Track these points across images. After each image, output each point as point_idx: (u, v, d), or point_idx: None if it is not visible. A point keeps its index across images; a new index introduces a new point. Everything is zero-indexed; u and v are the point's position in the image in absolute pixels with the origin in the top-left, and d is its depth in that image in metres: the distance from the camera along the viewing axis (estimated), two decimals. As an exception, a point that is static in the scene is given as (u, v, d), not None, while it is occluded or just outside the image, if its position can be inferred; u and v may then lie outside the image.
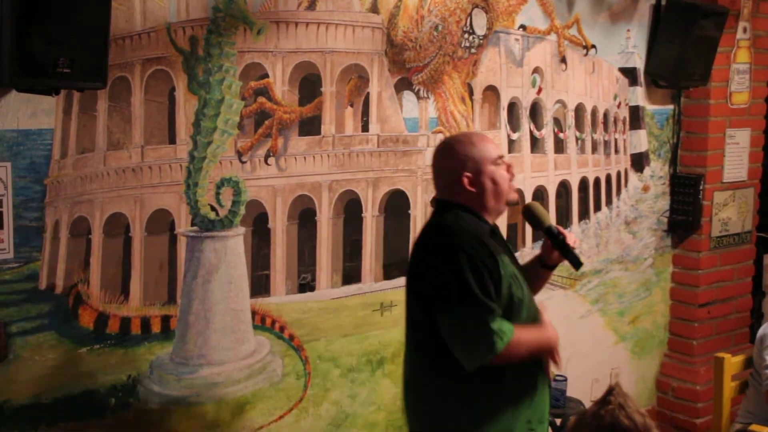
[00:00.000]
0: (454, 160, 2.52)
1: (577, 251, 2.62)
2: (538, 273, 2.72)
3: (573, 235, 2.66)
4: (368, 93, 3.45)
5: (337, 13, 3.32)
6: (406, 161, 3.58)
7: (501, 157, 2.54)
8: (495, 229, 2.56)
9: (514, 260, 2.60)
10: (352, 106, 3.42)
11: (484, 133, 3.79)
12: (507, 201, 2.56)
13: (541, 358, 2.55)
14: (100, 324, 2.89)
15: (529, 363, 2.52)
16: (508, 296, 2.43)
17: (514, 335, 2.39)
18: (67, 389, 2.82)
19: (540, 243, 3.93)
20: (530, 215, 2.69)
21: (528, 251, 4.01)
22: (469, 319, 2.37)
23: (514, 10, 3.85)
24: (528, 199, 4.00)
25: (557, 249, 2.63)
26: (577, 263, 2.60)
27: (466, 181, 2.48)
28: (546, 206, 4.09)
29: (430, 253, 2.49)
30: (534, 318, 2.55)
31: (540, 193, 4.06)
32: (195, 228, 3.08)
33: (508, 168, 2.55)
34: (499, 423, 2.49)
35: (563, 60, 4.07)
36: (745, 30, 4.53)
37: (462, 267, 2.36)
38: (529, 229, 4.01)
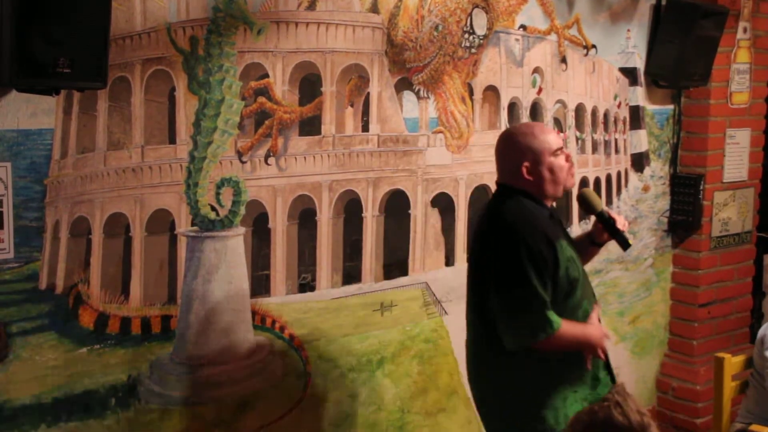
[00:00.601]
0: (515, 150, 2.76)
1: (625, 234, 2.85)
2: (587, 249, 2.99)
3: (623, 219, 2.89)
4: (368, 93, 3.45)
5: (337, 13, 3.32)
6: (407, 161, 3.58)
7: (560, 148, 2.75)
8: (553, 213, 2.80)
9: (570, 241, 2.84)
10: (352, 106, 3.42)
11: (485, 134, 3.80)
12: (564, 188, 2.79)
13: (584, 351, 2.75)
14: (100, 324, 2.89)
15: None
16: (565, 277, 2.68)
17: (560, 328, 2.62)
18: (67, 389, 2.82)
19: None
20: (584, 201, 2.94)
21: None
22: (521, 305, 2.63)
23: (515, 10, 3.85)
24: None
25: (608, 231, 2.87)
26: (626, 244, 2.85)
27: (524, 170, 2.72)
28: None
29: (493, 240, 2.72)
30: (587, 297, 2.79)
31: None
32: (195, 228, 3.08)
33: (567, 157, 2.77)
34: (553, 397, 2.73)
35: (563, 60, 4.07)
36: (745, 30, 4.53)
37: (521, 256, 2.60)
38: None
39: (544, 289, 2.61)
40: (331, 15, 3.30)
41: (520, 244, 2.62)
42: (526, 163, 2.72)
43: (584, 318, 2.76)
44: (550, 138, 2.76)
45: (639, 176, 4.53)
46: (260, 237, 3.25)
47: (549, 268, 2.63)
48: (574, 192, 3.57)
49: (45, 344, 2.77)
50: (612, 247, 4.36)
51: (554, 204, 2.86)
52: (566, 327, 2.65)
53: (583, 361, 2.76)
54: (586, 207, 2.97)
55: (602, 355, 2.77)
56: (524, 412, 2.76)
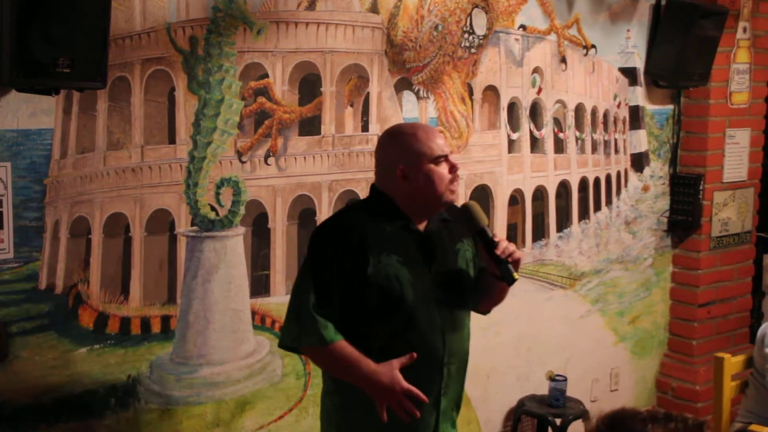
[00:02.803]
0: (392, 151, 2.43)
1: (516, 266, 2.36)
2: (490, 282, 2.50)
3: (512, 248, 2.37)
4: (368, 93, 3.45)
5: (337, 13, 3.32)
6: (406, 161, 3.57)
7: (444, 156, 2.40)
8: (411, 227, 2.43)
9: (422, 261, 2.43)
10: (352, 106, 3.42)
11: (485, 134, 3.80)
12: (441, 202, 2.42)
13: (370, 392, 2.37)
14: (100, 324, 2.89)
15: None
16: (379, 296, 2.35)
17: (327, 346, 2.33)
18: (67, 389, 2.82)
19: (540, 244, 3.97)
20: (467, 214, 2.44)
21: (528, 251, 4.01)
22: (291, 310, 2.42)
23: (514, 10, 3.85)
24: (528, 199, 4.00)
25: (487, 254, 2.38)
26: (508, 278, 2.35)
27: (399, 173, 2.39)
28: (546, 206, 4.09)
29: (313, 238, 2.48)
30: (417, 332, 2.39)
31: (540, 193, 4.06)
32: (195, 228, 3.08)
33: (451, 168, 2.41)
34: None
35: (563, 60, 4.07)
36: (745, 30, 4.52)
37: (310, 263, 2.41)
38: (529, 229, 4.01)
39: (325, 300, 2.34)
40: (331, 15, 3.30)
41: (315, 251, 2.41)
42: (400, 166, 2.38)
43: (404, 353, 2.33)
44: (435, 143, 2.39)
45: (639, 176, 4.53)
46: (260, 237, 3.25)
47: (343, 282, 2.34)
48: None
49: (45, 344, 2.77)
50: (611, 246, 4.41)
51: (444, 214, 2.49)
52: (341, 352, 2.33)
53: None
54: (468, 221, 2.42)
55: (403, 414, 2.32)
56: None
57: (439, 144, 2.41)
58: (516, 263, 2.37)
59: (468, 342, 2.57)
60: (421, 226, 2.46)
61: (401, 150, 2.40)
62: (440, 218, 2.49)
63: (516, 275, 2.35)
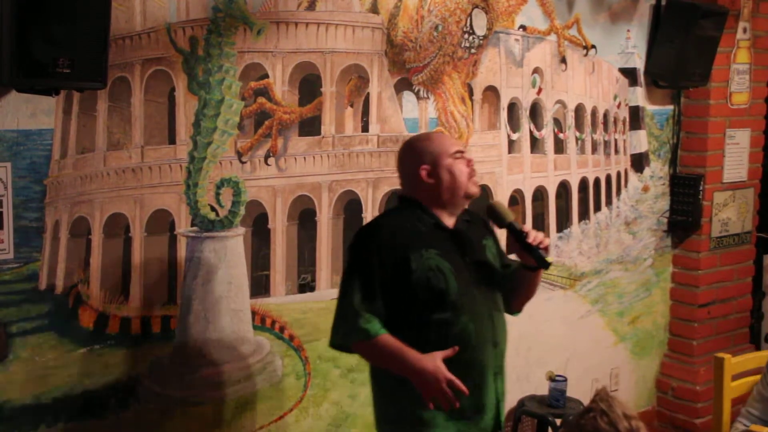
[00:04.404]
0: (412, 155, 2.63)
1: (546, 252, 2.55)
2: (522, 275, 2.68)
3: (540, 235, 2.57)
4: (368, 93, 3.45)
5: (337, 14, 3.32)
6: (406, 161, 3.58)
7: (460, 151, 2.62)
8: (441, 225, 2.59)
9: (462, 256, 2.58)
10: (352, 106, 3.42)
11: (485, 134, 3.80)
12: (465, 194, 2.61)
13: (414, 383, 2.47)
14: (100, 324, 2.89)
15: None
16: (425, 287, 2.50)
17: (371, 341, 2.47)
18: (67, 389, 2.83)
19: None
20: (493, 213, 2.65)
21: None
22: (338, 310, 2.55)
23: (514, 10, 3.85)
24: (528, 199, 4.00)
25: (519, 246, 2.57)
26: (541, 261, 2.55)
27: (423, 173, 2.57)
28: (546, 206, 4.09)
29: (352, 244, 2.64)
30: (471, 317, 2.53)
31: (540, 194, 4.07)
32: (195, 228, 3.09)
33: (468, 162, 2.61)
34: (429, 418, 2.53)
35: (563, 60, 4.08)
36: (745, 30, 4.53)
37: (352, 265, 2.56)
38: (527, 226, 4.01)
39: (370, 297, 2.48)
40: (331, 15, 3.30)
41: (358, 248, 2.57)
42: (424, 166, 2.58)
43: (461, 336, 2.51)
44: (448, 142, 2.65)
45: (639, 176, 4.53)
46: (260, 237, 3.25)
47: (387, 276, 2.48)
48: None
49: (45, 344, 2.77)
50: (611, 247, 4.41)
51: (474, 215, 2.71)
52: (387, 343, 2.47)
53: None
54: (495, 219, 2.64)
55: (444, 404, 2.43)
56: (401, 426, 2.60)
57: (453, 142, 2.70)
58: (546, 250, 2.56)
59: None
60: (450, 224, 2.63)
61: (422, 153, 2.60)
62: (464, 219, 2.67)
63: (550, 259, 2.55)
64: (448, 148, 2.60)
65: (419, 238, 2.55)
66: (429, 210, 2.60)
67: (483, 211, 2.71)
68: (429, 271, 2.51)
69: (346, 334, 2.54)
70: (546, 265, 2.55)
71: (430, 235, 2.57)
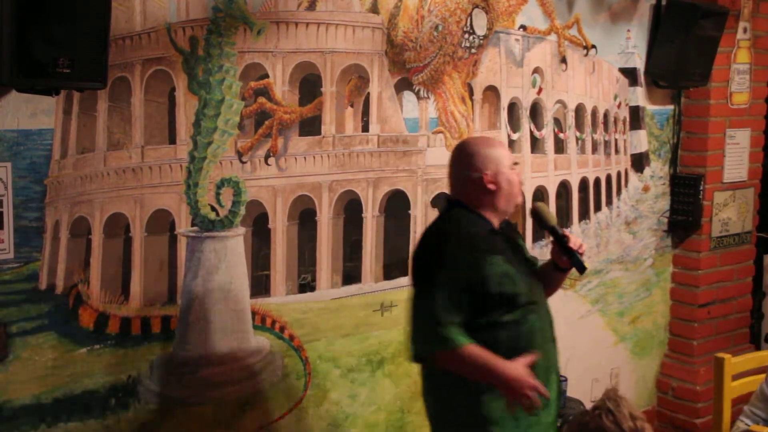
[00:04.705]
0: (474, 160, 2.67)
1: (583, 257, 2.68)
2: (550, 275, 2.82)
3: (579, 241, 2.71)
4: (368, 93, 3.45)
5: (337, 14, 3.32)
6: (407, 161, 3.58)
7: (516, 163, 2.75)
8: (504, 229, 2.73)
9: (516, 258, 2.71)
10: (352, 106, 3.42)
11: (485, 134, 3.80)
12: (516, 202, 2.73)
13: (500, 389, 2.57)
14: (100, 324, 2.89)
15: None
16: (497, 293, 2.58)
17: (460, 349, 2.51)
18: (67, 389, 2.82)
19: (540, 244, 3.97)
20: (537, 215, 2.82)
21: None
22: (421, 317, 2.57)
23: (514, 10, 3.85)
24: (528, 199, 4.00)
25: (560, 250, 2.71)
26: (579, 266, 2.68)
27: (485, 179, 2.65)
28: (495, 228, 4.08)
29: (418, 253, 2.70)
30: (537, 315, 2.68)
31: (540, 194, 4.06)
32: (195, 228, 3.08)
33: (519, 174, 2.74)
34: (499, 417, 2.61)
35: (563, 60, 4.07)
36: (745, 30, 4.52)
37: (435, 270, 2.56)
38: (529, 228, 4.01)
39: (453, 306, 2.52)
40: (331, 15, 3.30)
41: (439, 257, 2.59)
42: (487, 172, 2.65)
43: (530, 333, 2.64)
44: (507, 152, 2.75)
45: (639, 176, 4.53)
46: (260, 237, 3.25)
47: (467, 283, 2.55)
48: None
49: (45, 344, 2.77)
50: (612, 247, 4.41)
51: (508, 219, 2.81)
52: (473, 350, 2.52)
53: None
54: (539, 221, 2.84)
55: (527, 408, 2.53)
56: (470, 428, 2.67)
57: (509, 153, 2.77)
58: (582, 254, 2.69)
59: None
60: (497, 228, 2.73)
61: (487, 160, 2.66)
62: (502, 223, 2.77)
63: (586, 264, 2.70)
64: (508, 158, 2.70)
65: (485, 243, 2.62)
66: (483, 215, 2.67)
67: (529, 212, 2.89)
68: (500, 276, 2.59)
69: (429, 344, 2.56)
70: (583, 269, 2.69)
71: (491, 240, 2.65)
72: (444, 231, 2.69)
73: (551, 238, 2.75)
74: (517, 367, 2.53)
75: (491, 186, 2.65)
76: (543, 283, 2.80)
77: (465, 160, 2.70)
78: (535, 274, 2.80)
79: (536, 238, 4.04)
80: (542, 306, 2.75)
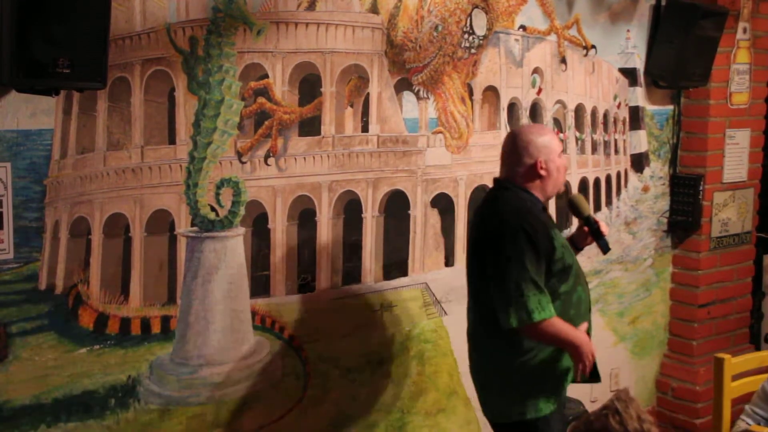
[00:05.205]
0: (531, 147, 2.90)
1: (607, 238, 3.05)
2: None
3: (605, 224, 3.08)
4: (368, 93, 3.45)
5: (337, 14, 3.32)
6: (406, 161, 3.58)
7: (563, 151, 3.00)
8: (546, 207, 2.97)
9: (560, 232, 2.98)
10: (352, 106, 3.42)
11: (484, 135, 3.80)
12: (560, 189, 3.01)
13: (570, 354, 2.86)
14: (100, 324, 2.89)
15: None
16: (561, 262, 2.84)
17: (551, 318, 2.76)
18: (67, 389, 2.83)
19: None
20: (574, 205, 3.14)
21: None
22: (516, 287, 2.74)
23: (514, 10, 3.85)
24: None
25: (592, 235, 3.05)
26: (606, 248, 3.05)
27: (538, 165, 2.88)
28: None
29: (493, 226, 2.86)
30: (581, 284, 2.95)
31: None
32: (195, 228, 3.09)
33: (564, 161, 2.98)
34: (545, 382, 2.92)
35: (563, 60, 4.08)
36: (745, 30, 4.53)
37: (519, 241, 2.75)
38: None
39: (538, 275, 2.76)
40: (331, 15, 3.30)
41: (519, 229, 2.76)
42: (541, 159, 2.88)
43: (578, 303, 2.92)
44: (557, 141, 2.96)
45: (639, 177, 4.53)
46: (260, 237, 3.25)
47: (545, 253, 2.78)
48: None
49: (45, 344, 2.77)
50: (612, 246, 4.39)
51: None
52: (558, 321, 2.79)
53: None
54: (575, 211, 3.15)
55: (586, 370, 2.86)
56: (514, 397, 2.92)
57: (558, 141, 2.97)
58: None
59: None
60: None
61: (541, 146, 2.90)
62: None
63: (610, 245, 3.08)
64: (559, 146, 2.94)
65: (545, 217, 2.90)
66: (535, 195, 2.91)
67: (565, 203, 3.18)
68: (563, 247, 2.87)
69: (526, 314, 2.73)
70: (608, 249, 3.06)
71: (546, 216, 2.94)
72: (512, 204, 2.87)
73: (584, 225, 3.08)
74: (584, 335, 2.85)
75: (542, 172, 2.88)
76: None
77: (520, 146, 2.91)
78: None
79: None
80: (584, 278, 3.02)
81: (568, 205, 3.18)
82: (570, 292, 2.90)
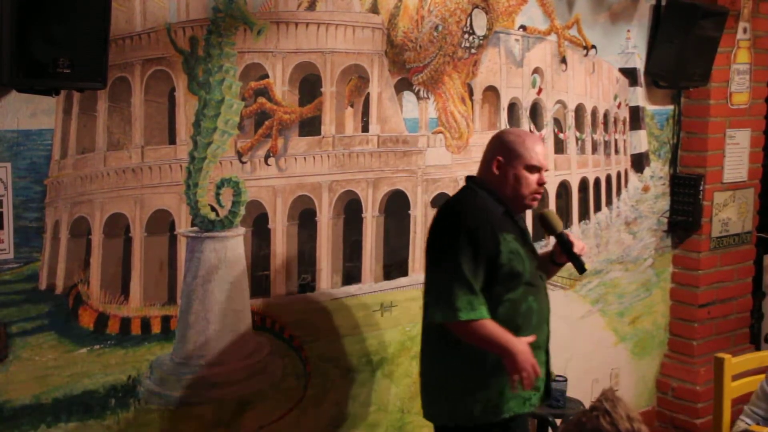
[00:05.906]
0: (496, 145, 2.85)
1: (583, 258, 2.89)
2: (547, 266, 3.02)
3: (582, 244, 2.93)
4: (368, 93, 3.45)
5: (337, 14, 3.32)
6: (406, 161, 3.58)
7: (538, 168, 2.80)
8: (508, 211, 2.83)
9: (523, 240, 2.85)
10: (352, 106, 3.42)
11: (484, 134, 3.80)
12: (523, 204, 2.84)
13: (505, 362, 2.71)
14: (100, 324, 2.89)
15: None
16: (507, 268, 2.73)
17: (480, 321, 2.66)
18: (67, 389, 2.83)
19: (540, 244, 3.97)
20: (544, 222, 2.96)
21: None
22: (447, 283, 2.67)
23: (514, 10, 3.85)
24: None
25: (565, 254, 2.91)
26: (581, 268, 2.89)
27: (495, 164, 2.80)
28: (546, 206, 4.08)
29: (438, 224, 2.81)
30: (535, 297, 2.82)
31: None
32: (195, 228, 3.09)
33: (540, 180, 2.81)
34: (488, 389, 2.78)
35: (563, 60, 4.07)
36: (745, 30, 4.53)
37: (458, 238, 2.67)
38: (529, 229, 4.01)
39: (474, 276, 2.67)
40: (331, 15, 3.30)
41: (460, 227, 2.70)
42: (499, 158, 2.80)
43: (527, 313, 2.80)
44: (534, 152, 2.80)
45: (639, 177, 4.53)
46: (260, 237, 3.25)
47: (485, 254, 2.69)
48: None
49: (45, 344, 2.77)
50: (612, 247, 4.41)
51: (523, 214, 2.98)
52: (492, 325, 2.68)
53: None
54: (546, 227, 2.99)
55: (525, 383, 2.68)
56: (455, 397, 2.82)
57: (538, 155, 2.81)
58: (582, 255, 2.90)
59: None
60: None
61: (504, 146, 2.82)
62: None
63: (587, 265, 2.92)
64: (529, 158, 2.78)
65: (500, 221, 2.78)
66: (498, 196, 2.81)
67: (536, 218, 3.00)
68: (511, 253, 2.74)
69: (452, 311, 2.66)
70: (584, 271, 2.90)
71: (504, 220, 2.80)
72: (463, 203, 2.82)
73: (556, 242, 2.93)
74: (523, 344, 2.68)
75: (495, 171, 2.80)
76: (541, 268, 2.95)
77: (493, 143, 2.87)
78: (538, 260, 2.94)
79: (536, 238, 4.04)
80: (541, 289, 2.89)
81: (539, 220, 2.99)
82: (518, 301, 2.77)
